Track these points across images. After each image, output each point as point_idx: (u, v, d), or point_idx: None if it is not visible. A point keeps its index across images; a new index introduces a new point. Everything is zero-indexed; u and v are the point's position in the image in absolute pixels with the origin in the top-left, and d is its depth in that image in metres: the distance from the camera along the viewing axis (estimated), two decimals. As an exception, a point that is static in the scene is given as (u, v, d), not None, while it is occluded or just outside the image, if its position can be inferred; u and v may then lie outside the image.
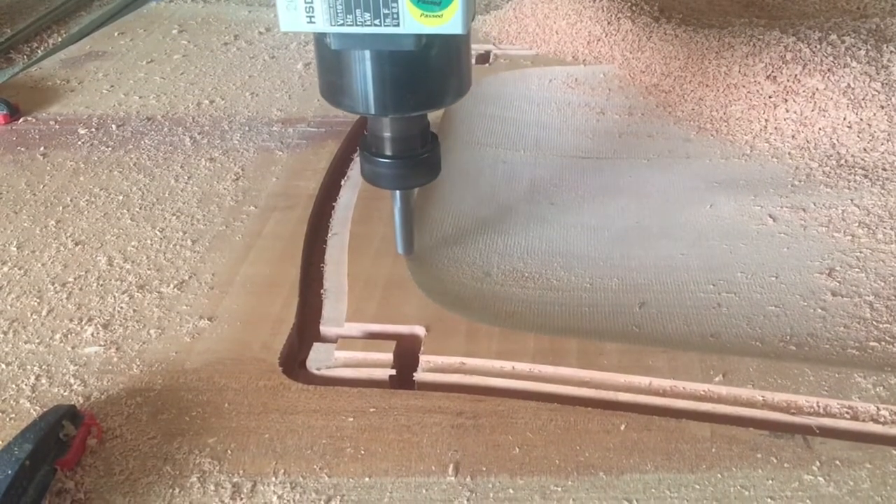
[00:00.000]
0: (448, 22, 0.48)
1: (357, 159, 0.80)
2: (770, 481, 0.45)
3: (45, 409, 0.47)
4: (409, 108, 0.53)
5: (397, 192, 0.61)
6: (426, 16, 0.47)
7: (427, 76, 0.52)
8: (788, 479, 0.45)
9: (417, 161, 0.58)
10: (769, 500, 0.44)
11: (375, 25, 0.48)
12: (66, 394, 0.52)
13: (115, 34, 1.13)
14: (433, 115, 0.74)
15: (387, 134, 0.57)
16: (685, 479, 0.45)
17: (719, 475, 0.45)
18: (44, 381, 0.53)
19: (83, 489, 0.45)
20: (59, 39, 1.16)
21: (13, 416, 0.50)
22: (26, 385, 0.53)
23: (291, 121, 0.88)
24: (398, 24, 0.48)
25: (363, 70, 0.51)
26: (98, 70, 1.01)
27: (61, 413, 0.46)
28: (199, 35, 1.12)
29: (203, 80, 0.98)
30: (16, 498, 0.42)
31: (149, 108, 0.91)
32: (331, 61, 0.53)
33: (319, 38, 0.52)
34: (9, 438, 0.44)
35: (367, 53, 0.50)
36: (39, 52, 1.12)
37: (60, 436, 0.46)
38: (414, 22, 0.48)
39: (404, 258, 0.64)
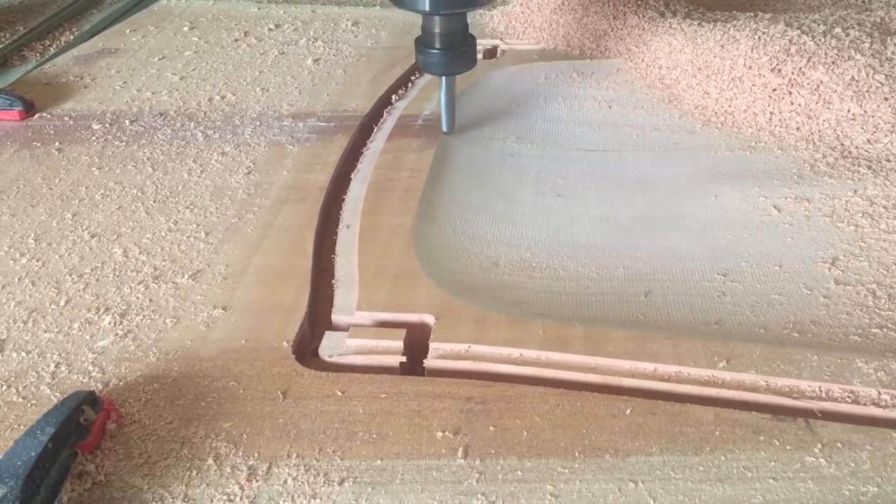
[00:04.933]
0: None
1: (365, 153, 0.82)
2: (772, 463, 0.46)
3: (65, 396, 0.49)
4: (454, 6, 0.73)
5: (443, 77, 0.80)
6: None
7: None
8: (790, 460, 0.46)
9: (459, 53, 0.77)
10: (771, 480, 0.45)
11: None
12: (85, 381, 0.53)
13: (127, 31, 1.14)
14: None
15: (437, 30, 0.75)
16: (689, 460, 0.46)
17: (723, 457, 0.46)
18: (63, 368, 0.55)
19: (103, 472, 0.46)
20: (72, 37, 1.17)
21: (34, 402, 0.52)
22: (46, 372, 0.54)
23: (301, 115, 0.89)
24: None
25: None
26: (111, 67, 1.02)
27: (81, 399, 0.48)
28: (210, 32, 1.13)
29: (214, 76, 0.99)
30: (39, 479, 0.43)
31: (161, 104, 0.92)
32: None
33: None
34: (31, 423, 0.45)
35: None
36: (52, 49, 1.13)
37: (81, 420, 0.47)
38: None
39: (414, 248, 0.65)
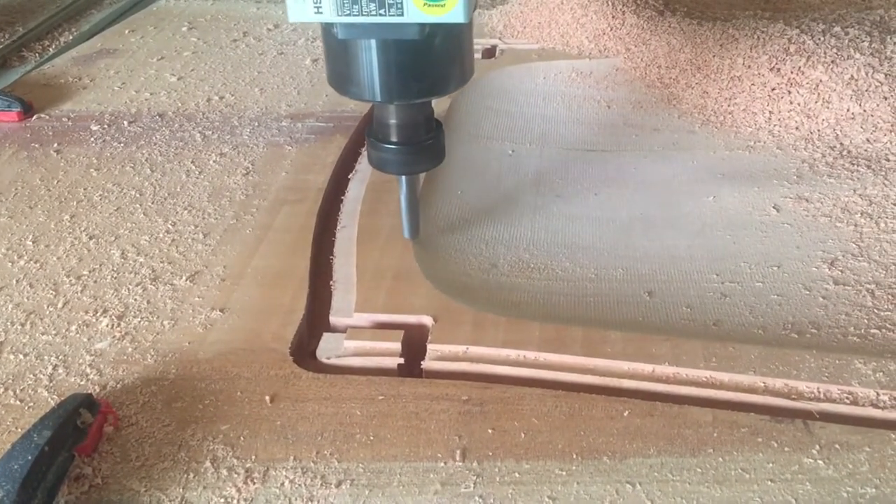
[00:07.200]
0: (450, 11, 0.49)
1: (365, 153, 0.81)
2: (770, 464, 0.46)
3: (62, 398, 0.48)
4: (413, 95, 0.55)
5: (403, 177, 0.62)
6: (429, 5, 0.49)
7: (430, 64, 0.54)
8: (788, 462, 0.46)
9: (422, 147, 0.60)
10: (769, 482, 0.45)
11: (380, 15, 0.50)
12: (82, 383, 0.53)
13: (126, 32, 1.14)
14: (439, 108, 0.75)
15: (392, 121, 0.59)
16: (687, 462, 0.46)
17: (721, 459, 0.46)
18: (60, 370, 0.54)
19: (100, 475, 0.46)
20: (71, 38, 1.17)
21: (31, 405, 0.52)
22: (44, 375, 0.54)
23: (300, 116, 0.89)
24: (402, 14, 0.49)
25: (369, 58, 0.53)
26: (109, 67, 1.02)
27: (78, 401, 0.47)
28: (209, 32, 1.13)
29: (213, 77, 0.99)
30: (36, 483, 0.43)
31: (160, 105, 0.92)
32: (338, 51, 0.54)
33: (327, 28, 0.54)
34: (28, 426, 0.45)
35: (373, 42, 0.52)
36: (51, 50, 1.13)
37: (78, 423, 0.47)
38: (417, 11, 0.49)
39: (412, 250, 0.65)
